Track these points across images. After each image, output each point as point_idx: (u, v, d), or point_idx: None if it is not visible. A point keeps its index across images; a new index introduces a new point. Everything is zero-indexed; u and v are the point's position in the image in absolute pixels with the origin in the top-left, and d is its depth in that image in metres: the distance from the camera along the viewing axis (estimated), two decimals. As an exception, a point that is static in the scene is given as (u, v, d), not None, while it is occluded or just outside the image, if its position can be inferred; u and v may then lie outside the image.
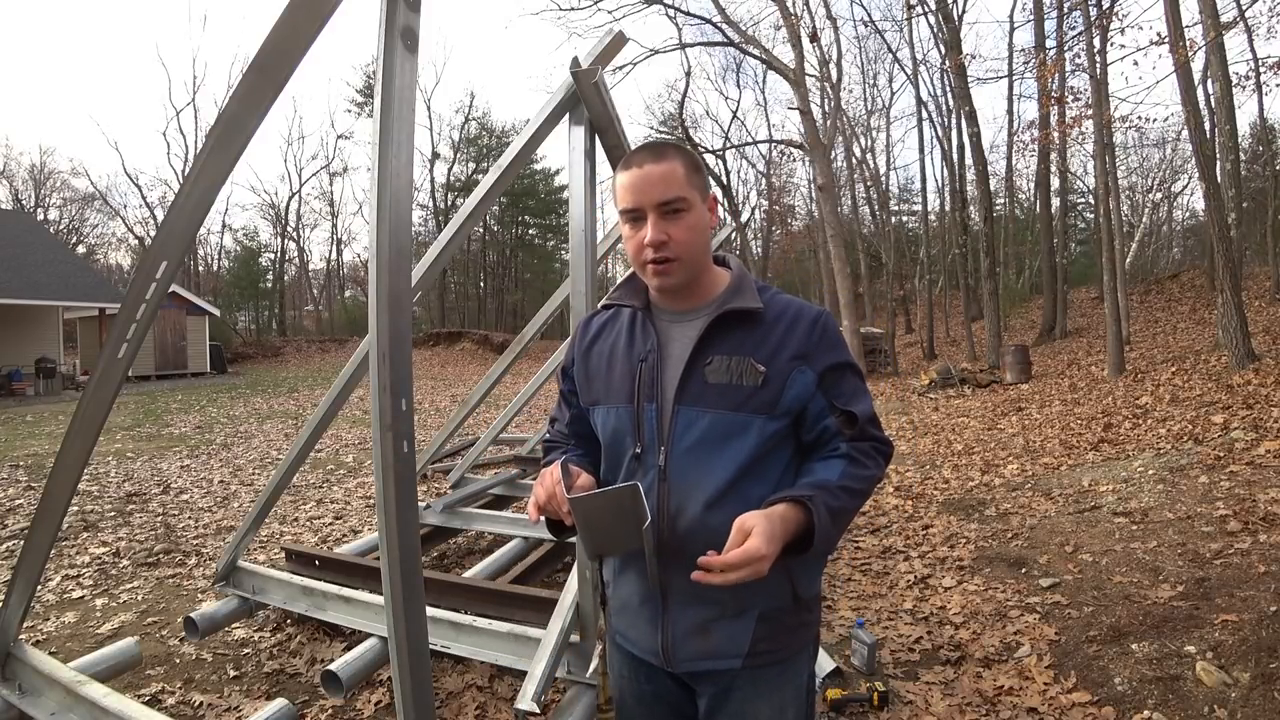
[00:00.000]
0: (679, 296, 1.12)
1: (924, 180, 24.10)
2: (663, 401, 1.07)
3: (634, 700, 1.21)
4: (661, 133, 28.70)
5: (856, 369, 1.10)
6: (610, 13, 16.68)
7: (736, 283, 1.12)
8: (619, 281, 1.22)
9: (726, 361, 1.05)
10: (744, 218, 30.57)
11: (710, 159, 22.84)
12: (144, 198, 40.52)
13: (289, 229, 36.17)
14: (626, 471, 1.11)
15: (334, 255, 39.60)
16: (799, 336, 1.06)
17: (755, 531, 0.90)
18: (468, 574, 3.40)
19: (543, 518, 1.09)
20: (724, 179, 24.23)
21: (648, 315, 1.14)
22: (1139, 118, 11.37)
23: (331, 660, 2.44)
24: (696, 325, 1.08)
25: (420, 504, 4.21)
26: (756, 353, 1.05)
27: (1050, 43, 14.66)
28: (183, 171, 30.69)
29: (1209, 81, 12.25)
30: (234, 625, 3.07)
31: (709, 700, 1.12)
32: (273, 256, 36.48)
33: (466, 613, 2.59)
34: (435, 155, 35.11)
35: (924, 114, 21.95)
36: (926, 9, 16.59)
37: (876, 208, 26.34)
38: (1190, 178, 24.45)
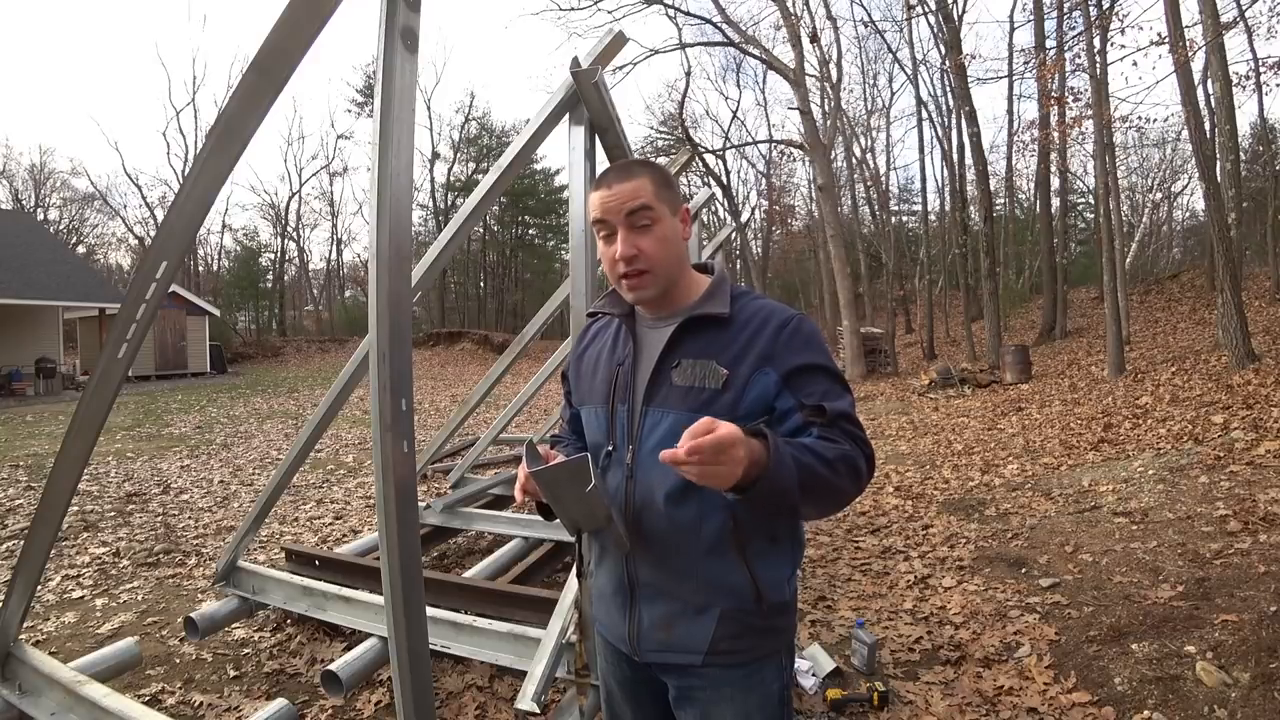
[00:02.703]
0: (656, 304, 1.17)
1: (924, 180, 24.12)
2: (633, 403, 1.13)
3: (617, 685, 1.26)
4: (661, 133, 28.69)
5: (832, 372, 1.07)
6: (610, 13, 16.73)
7: (712, 289, 1.15)
8: (606, 291, 1.26)
9: (692, 365, 1.08)
10: (744, 218, 30.54)
11: (710, 159, 22.85)
12: (144, 198, 40.58)
13: (289, 229, 36.22)
14: (602, 467, 1.16)
15: (334, 255, 39.71)
16: (765, 339, 1.07)
17: (721, 426, 0.86)
18: (468, 574, 3.40)
19: (536, 505, 1.16)
20: (724, 179, 24.19)
21: (630, 323, 1.19)
22: (1139, 118, 11.36)
23: (331, 660, 2.44)
24: (668, 331, 1.12)
25: (420, 504, 4.20)
26: (721, 356, 1.07)
27: (1050, 43, 14.68)
28: (183, 171, 30.68)
29: (1209, 81, 12.24)
30: (234, 625, 3.07)
31: (675, 692, 1.16)
32: (273, 256, 36.50)
33: (466, 613, 2.59)
34: (435, 155, 35.14)
35: (924, 114, 21.95)
36: (926, 9, 16.59)
37: (876, 208, 26.32)
38: (1190, 178, 24.50)
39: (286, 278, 37.39)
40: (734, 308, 1.11)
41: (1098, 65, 10.87)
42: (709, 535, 1.06)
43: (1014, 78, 18.86)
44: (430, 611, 2.29)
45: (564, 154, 2.21)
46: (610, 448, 1.15)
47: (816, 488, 0.95)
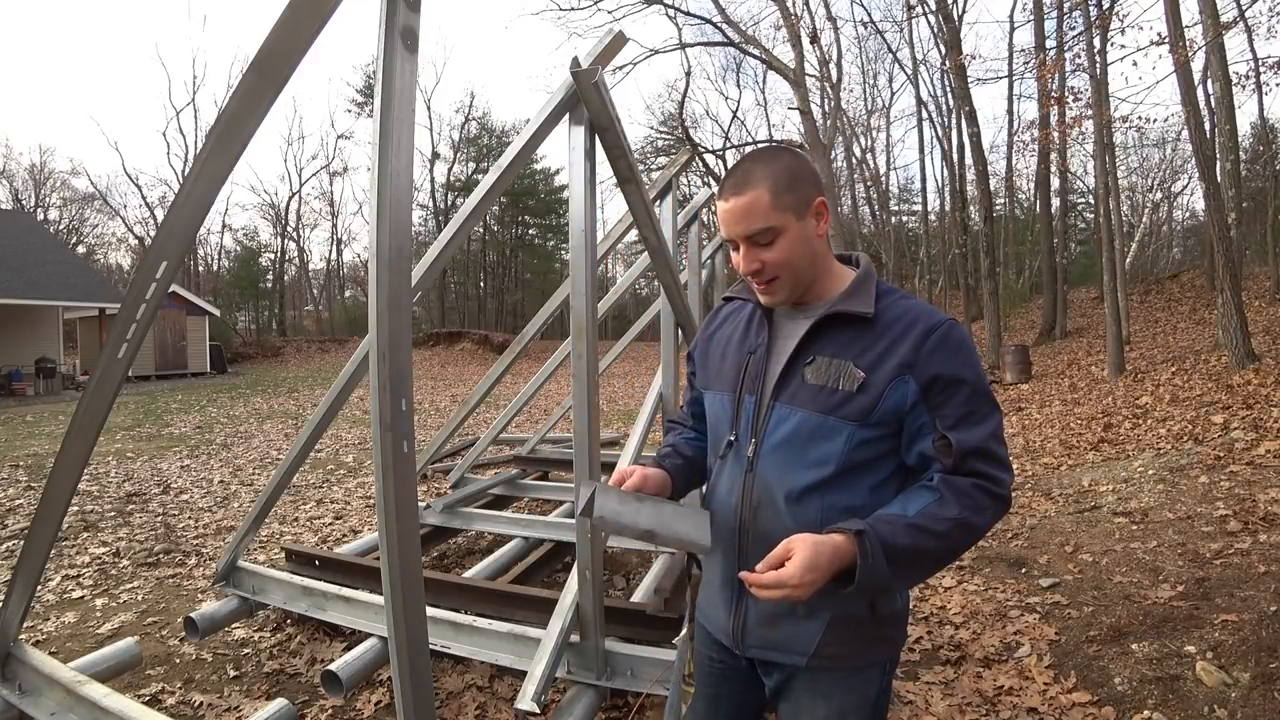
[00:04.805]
0: (796, 298, 1.13)
1: (924, 180, 24.16)
2: (762, 395, 1.10)
3: (706, 670, 1.24)
4: (661, 132, 28.62)
5: (977, 388, 1.00)
6: (610, 13, 16.71)
7: (855, 285, 1.09)
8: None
9: (828, 363, 1.04)
10: (744, 218, 30.39)
11: (710, 159, 22.85)
12: (144, 198, 40.58)
13: (289, 229, 36.19)
14: (721, 457, 1.15)
15: (334, 255, 39.66)
16: (909, 344, 1.00)
17: (795, 558, 0.90)
18: (468, 574, 3.40)
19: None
20: (724, 179, 24.11)
21: (766, 311, 1.15)
22: (1139, 118, 11.32)
23: (331, 660, 2.44)
24: (805, 324, 1.08)
25: (420, 504, 4.20)
26: (861, 358, 1.02)
27: (1050, 43, 14.66)
28: (183, 171, 30.69)
29: (1209, 81, 12.24)
30: (234, 625, 3.07)
31: (773, 685, 1.15)
32: (273, 256, 36.48)
33: (466, 613, 2.59)
34: (435, 155, 35.11)
35: (924, 114, 22.02)
36: (926, 9, 16.58)
37: (876, 208, 26.37)
38: (1190, 178, 24.52)
39: (286, 278, 37.37)
40: (879, 306, 1.05)
41: (1098, 65, 10.87)
42: None
43: (1014, 78, 18.87)
44: (430, 611, 2.29)
45: (564, 154, 2.21)
46: (732, 438, 1.12)
47: (923, 565, 0.98)
